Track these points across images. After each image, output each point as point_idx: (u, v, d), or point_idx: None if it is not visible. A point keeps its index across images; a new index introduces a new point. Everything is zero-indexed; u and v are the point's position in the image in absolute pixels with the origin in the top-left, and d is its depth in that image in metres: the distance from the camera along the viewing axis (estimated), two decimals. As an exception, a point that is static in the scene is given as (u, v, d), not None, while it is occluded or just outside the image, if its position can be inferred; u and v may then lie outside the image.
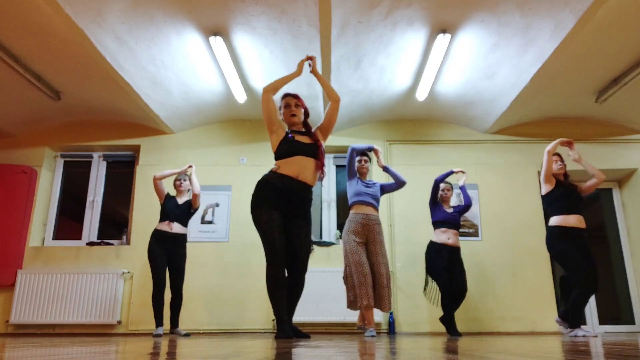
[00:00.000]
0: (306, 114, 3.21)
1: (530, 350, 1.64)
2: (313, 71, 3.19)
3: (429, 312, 5.10)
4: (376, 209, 4.04)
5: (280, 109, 3.19)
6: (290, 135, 3.04)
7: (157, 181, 4.53)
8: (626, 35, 4.03)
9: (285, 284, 2.89)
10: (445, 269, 4.37)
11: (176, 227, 4.45)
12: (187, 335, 4.28)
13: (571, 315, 3.79)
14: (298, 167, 2.93)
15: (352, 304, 3.89)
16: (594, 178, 4.04)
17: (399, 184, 4.18)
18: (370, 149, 4.20)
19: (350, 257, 3.88)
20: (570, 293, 3.90)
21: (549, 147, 4.05)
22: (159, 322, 4.33)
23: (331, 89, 3.15)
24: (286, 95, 3.19)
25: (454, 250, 4.45)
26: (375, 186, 4.13)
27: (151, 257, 4.38)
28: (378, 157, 4.20)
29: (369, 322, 3.81)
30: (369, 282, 3.75)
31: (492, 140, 5.77)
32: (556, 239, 3.92)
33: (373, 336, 3.66)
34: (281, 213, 2.91)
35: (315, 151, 2.99)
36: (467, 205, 4.63)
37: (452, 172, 4.63)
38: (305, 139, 3.05)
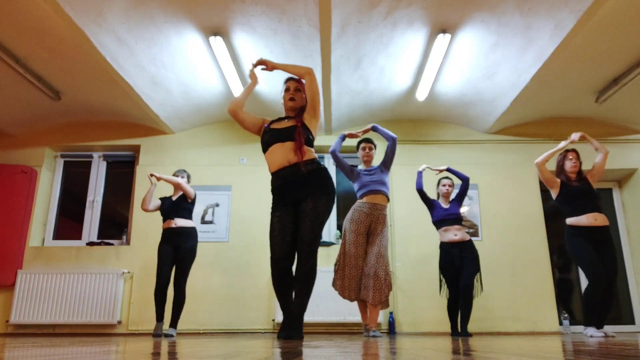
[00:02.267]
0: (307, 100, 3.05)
1: (530, 350, 1.64)
2: (270, 68, 2.99)
3: (429, 312, 5.10)
4: (386, 195, 3.86)
5: (282, 92, 3.09)
6: (266, 126, 2.96)
7: (148, 209, 4.53)
8: (626, 35, 4.04)
9: (286, 283, 2.78)
10: (458, 268, 4.24)
11: (179, 222, 4.41)
12: (167, 335, 4.18)
13: (584, 311, 3.78)
14: (280, 156, 2.80)
15: (336, 286, 3.78)
16: (599, 153, 3.94)
17: (391, 141, 3.92)
18: (344, 138, 4.03)
19: (347, 246, 3.76)
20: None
21: (539, 159, 4.00)
22: (157, 317, 4.26)
23: (296, 67, 2.95)
24: (288, 79, 3.06)
25: (465, 245, 4.27)
26: (376, 170, 3.93)
27: (158, 254, 4.37)
28: (361, 133, 3.99)
29: (363, 319, 3.77)
30: (354, 275, 3.67)
31: (492, 140, 5.77)
32: (568, 237, 3.90)
33: (371, 336, 3.64)
34: (289, 207, 2.81)
35: (291, 133, 2.82)
36: (464, 181, 4.38)
37: (420, 173, 4.49)
38: (284, 124, 2.90)
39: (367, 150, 4.01)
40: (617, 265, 3.79)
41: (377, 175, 3.90)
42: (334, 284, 3.80)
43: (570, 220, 3.92)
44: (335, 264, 3.84)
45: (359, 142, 4.08)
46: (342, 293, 3.73)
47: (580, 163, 4.02)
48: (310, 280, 2.72)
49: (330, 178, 2.88)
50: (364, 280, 3.68)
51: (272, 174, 2.87)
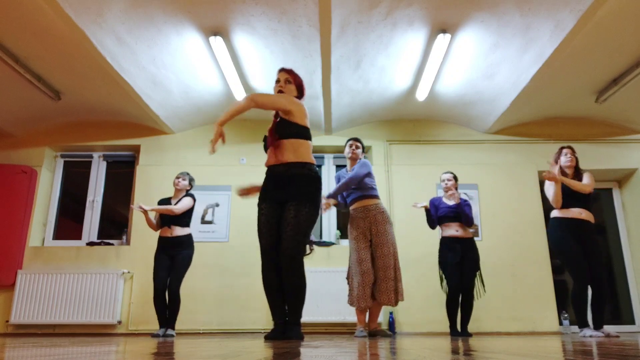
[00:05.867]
0: (300, 92, 3.00)
1: (530, 350, 1.64)
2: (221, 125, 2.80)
3: (429, 312, 5.10)
4: (373, 196, 3.79)
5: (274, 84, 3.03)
6: (265, 136, 2.96)
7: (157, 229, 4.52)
8: (626, 35, 4.04)
9: (275, 279, 2.74)
10: (458, 264, 4.20)
11: (177, 231, 4.39)
12: (168, 335, 4.19)
13: (575, 313, 3.74)
14: (270, 154, 2.86)
15: (353, 302, 3.71)
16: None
17: (358, 176, 3.78)
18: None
19: (351, 255, 3.74)
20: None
21: (555, 202, 3.83)
22: (160, 323, 4.31)
23: (233, 105, 2.82)
24: (280, 70, 3.01)
25: (467, 242, 4.25)
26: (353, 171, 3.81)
27: (154, 262, 4.38)
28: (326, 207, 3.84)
29: (360, 321, 3.73)
30: (367, 282, 3.58)
31: (492, 140, 5.77)
32: (553, 228, 3.86)
33: (364, 336, 3.63)
34: (275, 204, 2.79)
35: (276, 130, 2.81)
36: (467, 220, 4.29)
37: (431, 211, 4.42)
38: (272, 124, 2.91)
39: (353, 147, 3.92)
40: (602, 262, 3.76)
41: None
42: (352, 302, 3.71)
43: (555, 212, 3.87)
44: (347, 278, 3.82)
45: (347, 140, 4.01)
46: (358, 305, 3.60)
47: (577, 159, 3.95)
48: (299, 294, 2.71)
49: (315, 186, 2.80)
50: (384, 284, 3.60)
51: (267, 168, 2.93)
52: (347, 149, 3.97)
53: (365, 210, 3.77)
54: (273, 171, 2.84)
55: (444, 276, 4.31)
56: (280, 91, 2.93)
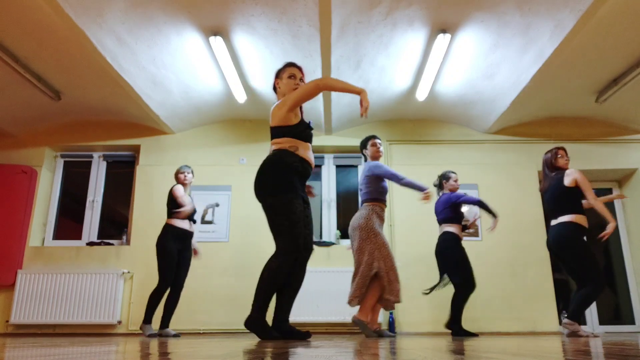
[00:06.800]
0: None
1: (530, 350, 1.64)
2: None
3: (429, 312, 5.10)
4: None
5: (278, 76, 2.92)
6: (310, 122, 2.86)
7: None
8: (626, 35, 4.04)
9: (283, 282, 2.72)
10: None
11: (193, 226, 4.46)
12: (176, 335, 4.15)
13: (576, 309, 3.70)
14: (311, 155, 2.80)
15: (356, 300, 3.60)
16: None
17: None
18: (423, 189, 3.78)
19: (383, 250, 3.58)
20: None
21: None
22: (149, 319, 4.19)
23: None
24: (292, 65, 2.90)
25: None
26: None
27: (166, 254, 4.17)
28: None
29: (372, 321, 3.73)
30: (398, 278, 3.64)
31: (492, 140, 5.78)
32: (578, 234, 3.73)
33: (386, 336, 3.66)
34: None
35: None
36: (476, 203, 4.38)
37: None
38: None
39: (378, 146, 3.90)
40: None
41: None
42: (355, 299, 3.57)
43: (576, 218, 3.76)
44: (365, 271, 3.57)
45: (370, 138, 3.91)
46: (397, 298, 3.61)
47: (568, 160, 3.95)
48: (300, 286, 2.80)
49: None
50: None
51: (301, 159, 2.71)
52: (371, 148, 3.87)
53: (384, 212, 3.87)
54: (309, 171, 2.79)
55: (462, 275, 4.16)
56: (297, 89, 2.83)
